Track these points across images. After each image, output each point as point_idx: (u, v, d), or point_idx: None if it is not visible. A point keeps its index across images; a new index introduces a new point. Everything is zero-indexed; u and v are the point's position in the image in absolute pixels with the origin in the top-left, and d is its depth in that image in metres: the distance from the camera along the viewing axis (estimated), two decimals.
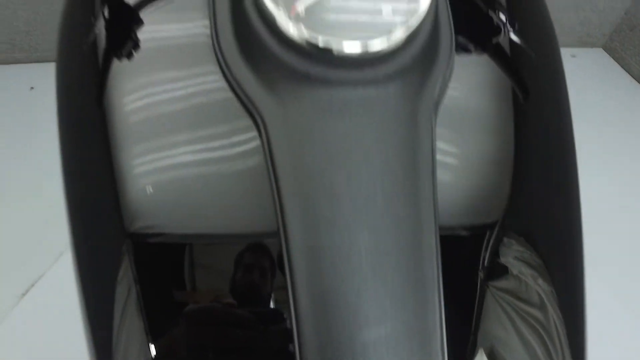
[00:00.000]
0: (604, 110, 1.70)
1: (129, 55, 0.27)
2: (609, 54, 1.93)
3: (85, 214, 0.28)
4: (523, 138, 0.30)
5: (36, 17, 1.50)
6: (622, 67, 1.87)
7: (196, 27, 0.28)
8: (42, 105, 1.47)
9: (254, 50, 0.23)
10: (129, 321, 0.24)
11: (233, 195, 0.25)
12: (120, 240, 0.25)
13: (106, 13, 0.30)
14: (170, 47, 0.27)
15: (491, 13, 0.34)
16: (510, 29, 0.34)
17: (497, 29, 0.33)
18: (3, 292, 1.05)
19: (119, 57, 0.27)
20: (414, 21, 0.22)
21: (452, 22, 0.27)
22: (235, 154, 0.25)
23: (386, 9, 0.22)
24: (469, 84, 0.30)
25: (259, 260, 0.25)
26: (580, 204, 0.31)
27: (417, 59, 0.23)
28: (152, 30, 0.28)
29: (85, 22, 0.31)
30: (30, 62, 1.60)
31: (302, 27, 0.21)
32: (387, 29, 0.21)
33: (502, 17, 0.34)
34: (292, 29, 0.21)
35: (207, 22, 0.27)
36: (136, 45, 0.27)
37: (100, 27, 0.29)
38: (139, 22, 0.28)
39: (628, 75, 1.85)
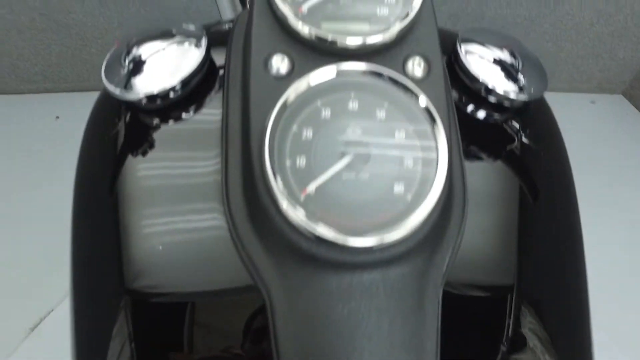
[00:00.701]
0: (623, 157, 1.67)
1: (144, 152, 0.31)
2: (629, 101, 1.90)
3: (87, 268, 0.30)
4: (533, 223, 0.32)
5: (67, 51, 1.58)
6: None
7: (198, 129, 0.31)
8: (66, 134, 1.52)
9: (263, 224, 0.23)
10: None
11: (229, 259, 0.26)
12: (119, 295, 0.27)
13: (128, 117, 0.32)
14: (175, 143, 0.31)
15: (503, 122, 0.35)
16: (522, 134, 0.35)
17: (509, 135, 0.34)
18: (13, 325, 1.06)
19: (133, 151, 0.31)
20: (429, 206, 0.22)
21: (465, 177, 0.27)
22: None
23: (398, 187, 0.23)
24: (485, 175, 0.32)
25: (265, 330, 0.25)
26: (586, 280, 0.32)
27: (427, 237, 0.23)
28: (162, 136, 0.31)
29: (110, 120, 0.34)
30: (59, 91, 1.67)
31: (309, 222, 0.21)
32: (401, 217, 0.22)
33: (515, 124, 0.35)
34: (296, 218, 0.21)
35: (213, 119, 0.30)
36: (150, 145, 0.31)
37: (122, 126, 0.33)
38: (153, 128, 0.31)
39: None
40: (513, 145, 0.34)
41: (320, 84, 0.24)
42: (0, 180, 1.40)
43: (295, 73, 0.25)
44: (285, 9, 0.25)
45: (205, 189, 0.28)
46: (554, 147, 0.37)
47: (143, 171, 0.30)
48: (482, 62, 0.32)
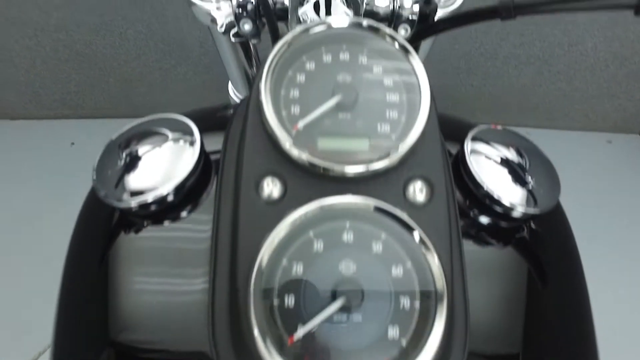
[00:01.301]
0: None
1: (136, 231, 0.32)
2: None
3: (73, 317, 0.30)
4: (542, 306, 0.32)
5: (86, 79, 1.63)
6: None
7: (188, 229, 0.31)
8: (80, 160, 1.55)
9: (246, 358, 0.22)
10: None
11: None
12: (102, 347, 0.27)
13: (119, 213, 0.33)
14: (166, 235, 0.32)
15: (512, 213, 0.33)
16: (531, 222, 0.34)
17: (519, 226, 0.33)
18: (12, 358, 1.06)
19: (126, 228, 0.32)
20: (428, 356, 0.20)
21: (468, 312, 0.25)
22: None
23: (392, 332, 0.21)
24: (493, 261, 0.32)
25: None
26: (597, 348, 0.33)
27: None
28: (154, 231, 0.32)
29: (101, 214, 0.34)
30: (76, 118, 1.72)
31: None
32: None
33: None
34: None
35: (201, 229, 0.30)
36: (141, 226, 0.32)
37: (114, 217, 0.33)
38: (145, 226, 0.31)
39: None
40: (522, 233, 0.33)
41: (314, 214, 0.23)
42: (11, 206, 1.42)
43: (287, 198, 0.24)
44: (277, 129, 0.24)
45: (192, 258, 0.28)
46: (561, 235, 0.36)
47: (133, 252, 0.31)
48: (489, 167, 0.31)
